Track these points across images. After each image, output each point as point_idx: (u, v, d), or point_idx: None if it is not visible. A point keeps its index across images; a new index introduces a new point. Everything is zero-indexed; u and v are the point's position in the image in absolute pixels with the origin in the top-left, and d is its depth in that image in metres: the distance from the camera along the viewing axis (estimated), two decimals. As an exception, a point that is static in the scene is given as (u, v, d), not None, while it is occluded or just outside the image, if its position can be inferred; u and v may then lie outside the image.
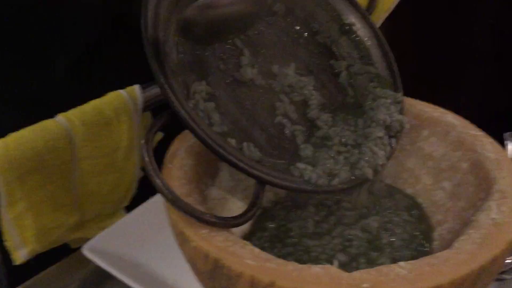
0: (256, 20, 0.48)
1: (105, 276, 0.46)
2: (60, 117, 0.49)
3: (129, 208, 0.55)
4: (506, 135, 0.58)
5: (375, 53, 0.52)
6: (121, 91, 0.54)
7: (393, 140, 0.47)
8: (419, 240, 0.43)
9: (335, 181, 0.42)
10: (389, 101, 0.48)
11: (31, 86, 0.53)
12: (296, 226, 0.44)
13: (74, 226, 0.54)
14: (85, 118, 0.51)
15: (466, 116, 0.49)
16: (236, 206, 0.46)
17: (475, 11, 0.77)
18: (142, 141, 0.37)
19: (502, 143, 0.57)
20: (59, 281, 0.47)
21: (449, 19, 0.78)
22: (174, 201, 0.36)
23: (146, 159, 0.36)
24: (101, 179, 0.53)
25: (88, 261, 0.45)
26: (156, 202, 0.52)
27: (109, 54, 0.60)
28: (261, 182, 0.39)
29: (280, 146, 0.44)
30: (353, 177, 0.43)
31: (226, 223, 0.37)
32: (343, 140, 0.45)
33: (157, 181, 0.35)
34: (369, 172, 0.43)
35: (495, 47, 0.80)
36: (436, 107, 0.50)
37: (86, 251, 0.45)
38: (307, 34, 0.51)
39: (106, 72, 0.59)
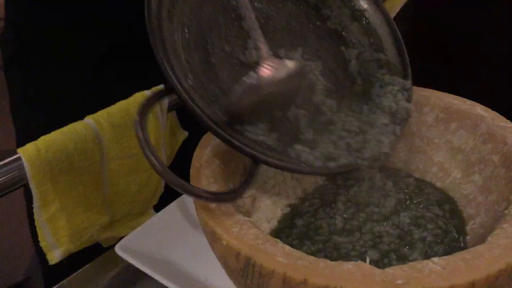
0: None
1: (138, 274, 0.47)
2: (89, 119, 0.51)
3: (158, 207, 0.56)
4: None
5: (386, 40, 0.51)
6: (146, 92, 0.55)
7: (398, 128, 0.46)
8: (452, 235, 0.43)
9: (332, 165, 0.42)
10: (396, 88, 0.47)
11: (60, 89, 0.54)
12: (324, 223, 0.44)
13: (105, 225, 0.55)
14: (113, 119, 0.52)
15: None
16: (264, 204, 0.46)
17: (491, 9, 0.76)
18: (136, 116, 0.36)
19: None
20: (93, 280, 0.48)
21: (464, 14, 0.77)
22: (165, 175, 0.35)
23: (139, 133, 0.35)
24: (129, 179, 0.54)
25: (120, 260, 0.46)
26: (185, 200, 0.53)
27: (134, 55, 0.61)
28: (256, 161, 0.39)
29: (281, 128, 0.43)
30: (353, 163, 0.42)
31: (216, 198, 0.37)
32: (346, 126, 0.45)
33: (149, 155, 0.35)
34: (370, 159, 0.43)
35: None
36: (465, 99, 0.49)
37: (119, 250, 0.45)
38: (318, 20, 0.50)
39: (131, 73, 0.60)
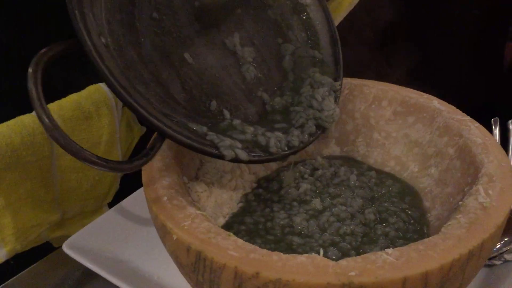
0: None
1: (88, 274, 0.45)
2: (37, 112, 0.48)
3: (113, 205, 0.54)
4: (493, 121, 0.58)
5: (324, 39, 0.50)
6: (101, 85, 0.53)
7: (318, 132, 0.46)
8: (414, 227, 0.42)
9: (242, 153, 0.40)
10: (326, 89, 0.47)
11: (7, 81, 0.51)
12: (278, 222, 0.42)
13: (56, 224, 0.53)
14: (64, 112, 0.49)
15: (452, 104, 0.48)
16: (220, 198, 0.45)
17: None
18: (30, 68, 0.32)
19: (490, 130, 0.57)
20: (41, 280, 0.46)
21: (432, 5, 0.78)
22: (51, 131, 0.32)
23: (31, 85, 0.32)
24: (81, 175, 0.52)
25: (70, 259, 0.44)
26: (138, 197, 0.51)
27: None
28: (161, 134, 0.37)
29: (200, 109, 0.42)
30: (261, 154, 0.41)
31: (108, 165, 0.33)
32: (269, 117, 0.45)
33: (39, 110, 0.31)
34: (275, 152, 0.42)
35: (478, 36, 0.81)
36: (422, 93, 0.50)
37: (66, 248, 0.43)
38: (260, 7, 0.49)
39: (85, 66, 0.58)
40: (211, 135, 0.39)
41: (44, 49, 0.34)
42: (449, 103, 0.48)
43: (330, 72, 0.49)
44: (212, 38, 0.45)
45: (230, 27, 0.47)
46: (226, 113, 0.43)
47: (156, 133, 0.38)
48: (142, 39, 0.40)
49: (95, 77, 0.54)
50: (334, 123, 0.47)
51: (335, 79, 0.48)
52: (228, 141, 0.39)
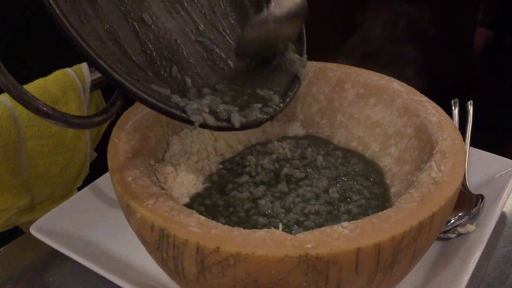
0: None
1: (56, 256, 0.46)
2: (3, 97, 0.48)
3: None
4: (453, 102, 0.60)
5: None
6: (67, 69, 0.53)
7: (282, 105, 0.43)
8: (377, 203, 0.44)
9: (209, 118, 0.38)
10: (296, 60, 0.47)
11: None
12: (240, 202, 0.43)
13: (25, 209, 0.53)
14: (30, 97, 0.49)
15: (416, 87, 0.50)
16: (187, 179, 0.45)
17: None
18: None
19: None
20: (8, 263, 0.46)
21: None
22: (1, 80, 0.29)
23: None
24: (50, 160, 0.52)
25: (38, 242, 0.44)
26: (105, 180, 0.51)
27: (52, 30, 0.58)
28: (122, 89, 0.35)
29: (160, 74, 0.41)
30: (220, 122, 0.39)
31: (64, 118, 0.31)
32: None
33: None
34: (236, 123, 0.39)
35: (448, 21, 0.82)
36: (383, 75, 0.51)
37: (34, 230, 0.44)
38: None
39: (50, 50, 0.58)
40: (175, 97, 0.37)
41: None
42: (417, 87, 0.49)
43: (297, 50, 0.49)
44: (172, 2, 0.44)
45: None
46: (188, 81, 0.42)
47: (117, 90, 0.36)
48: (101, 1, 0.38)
49: (62, 61, 0.53)
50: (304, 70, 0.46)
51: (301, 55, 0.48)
52: (195, 104, 0.38)
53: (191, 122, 0.37)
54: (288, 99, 0.44)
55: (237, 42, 0.47)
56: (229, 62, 0.46)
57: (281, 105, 0.43)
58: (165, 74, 0.41)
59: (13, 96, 0.30)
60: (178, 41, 0.43)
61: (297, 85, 0.46)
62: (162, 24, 0.43)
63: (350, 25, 0.79)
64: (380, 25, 0.79)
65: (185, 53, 0.44)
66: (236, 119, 0.39)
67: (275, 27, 0.43)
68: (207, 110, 0.38)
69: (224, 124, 0.39)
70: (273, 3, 0.43)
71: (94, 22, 0.37)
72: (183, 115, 0.37)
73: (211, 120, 0.38)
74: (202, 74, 0.44)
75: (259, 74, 0.46)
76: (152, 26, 0.42)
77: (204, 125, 0.38)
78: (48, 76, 0.52)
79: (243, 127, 0.39)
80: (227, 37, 0.47)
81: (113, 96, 0.36)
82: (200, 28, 0.46)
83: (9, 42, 0.56)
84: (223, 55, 0.46)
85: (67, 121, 0.31)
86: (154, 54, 0.41)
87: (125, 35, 0.39)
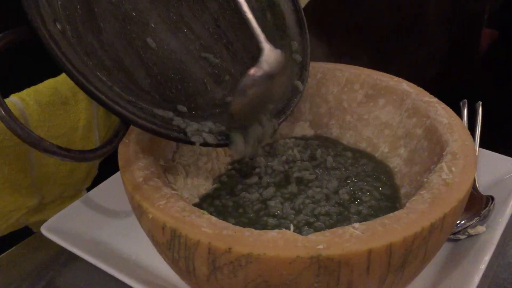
0: None
1: (67, 256, 0.46)
2: (14, 98, 0.48)
3: (92, 189, 0.55)
4: (462, 103, 0.59)
5: (290, 18, 0.50)
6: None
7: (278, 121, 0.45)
8: (387, 204, 0.44)
9: (209, 137, 0.40)
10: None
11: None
12: (249, 202, 0.44)
13: (34, 208, 0.53)
14: (40, 97, 0.50)
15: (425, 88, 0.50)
16: (196, 180, 0.46)
17: None
18: None
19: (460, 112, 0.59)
20: (19, 263, 0.46)
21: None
22: (8, 123, 0.32)
23: None
24: (59, 160, 0.52)
25: (49, 241, 0.44)
26: (115, 180, 0.52)
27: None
28: (124, 120, 0.37)
29: (165, 95, 0.42)
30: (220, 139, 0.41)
31: (70, 155, 0.33)
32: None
33: None
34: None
35: (454, 22, 0.82)
36: (392, 76, 0.51)
37: (45, 230, 0.44)
38: None
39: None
40: (177, 120, 0.39)
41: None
42: (425, 88, 0.49)
43: (298, 51, 0.49)
44: (175, 22, 0.45)
45: (193, 10, 0.46)
46: (194, 100, 0.43)
47: (120, 120, 0.38)
48: (102, 25, 0.39)
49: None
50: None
51: (302, 70, 0.48)
52: (195, 125, 0.40)
53: (192, 143, 0.39)
54: (283, 117, 0.46)
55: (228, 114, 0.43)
56: (233, 73, 0.47)
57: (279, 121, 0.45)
58: (171, 94, 0.42)
59: (21, 137, 0.32)
60: (182, 60, 0.44)
61: (296, 99, 0.47)
62: (167, 45, 0.43)
63: (356, 27, 0.79)
64: (387, 26, 0.79)
65: (190, 71, 0.44)
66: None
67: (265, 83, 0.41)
68: (207, 129, 0.40)
69: (224, 141, 0.41)
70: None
71: (100, 53, 0.38)
72: (183, 137, 0.39)
73: (210, 139, 0.40)
74: (208, 89, 0.45)
75: None
76: (156, 49, 0.43)
77: (205, 144, 0.40)
78: (59, 76, 0.52)
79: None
80: (231, 50, 0.48)
81: (116, 126, 0.38)
82: (204, 43, 0.46)
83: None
84: (227, 68, 0.47)
85: (73, 157, 0.34)
86: (159, 77, 0.42)
87: (130, 62, 0.40)
